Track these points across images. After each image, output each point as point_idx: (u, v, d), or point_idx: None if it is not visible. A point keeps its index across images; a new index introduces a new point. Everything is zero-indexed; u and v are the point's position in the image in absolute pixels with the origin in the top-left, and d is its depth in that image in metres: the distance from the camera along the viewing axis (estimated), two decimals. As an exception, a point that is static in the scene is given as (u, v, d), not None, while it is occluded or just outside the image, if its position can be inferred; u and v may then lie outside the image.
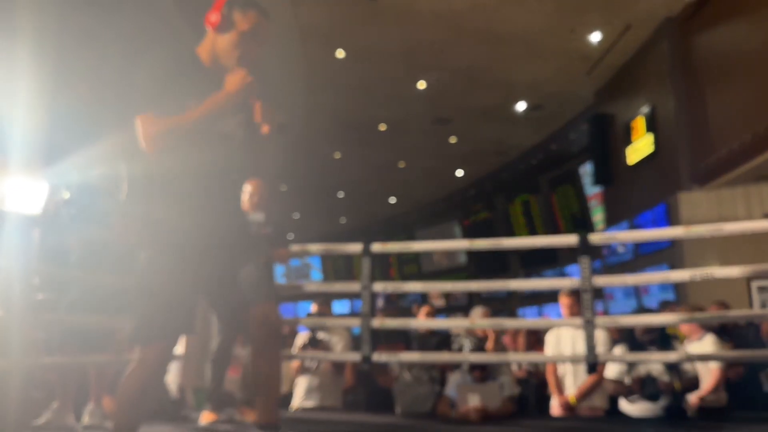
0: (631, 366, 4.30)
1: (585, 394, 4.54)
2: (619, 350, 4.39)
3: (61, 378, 3.82)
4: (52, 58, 6.80)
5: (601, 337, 4.46)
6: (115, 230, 3.96)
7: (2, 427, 3.08)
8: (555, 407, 4.62)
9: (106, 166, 3.95)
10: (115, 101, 8.19)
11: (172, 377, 4.60)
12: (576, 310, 4.56)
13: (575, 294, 4.56)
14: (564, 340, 4.66)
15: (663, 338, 4.32)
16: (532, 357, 5.03)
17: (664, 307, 5.74)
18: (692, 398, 4.24)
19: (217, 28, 2.06)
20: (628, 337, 4.47)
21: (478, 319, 4.82)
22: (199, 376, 4.56)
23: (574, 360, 4.41)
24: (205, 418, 3.85)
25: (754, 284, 7.45)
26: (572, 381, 4.61)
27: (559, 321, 4.76)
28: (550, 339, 4.75)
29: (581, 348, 4.41)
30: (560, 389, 4.64)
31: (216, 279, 2.12)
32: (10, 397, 3.16)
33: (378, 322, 4.49)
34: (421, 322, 5.10)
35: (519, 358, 4.88)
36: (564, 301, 4.71)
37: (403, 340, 5.19)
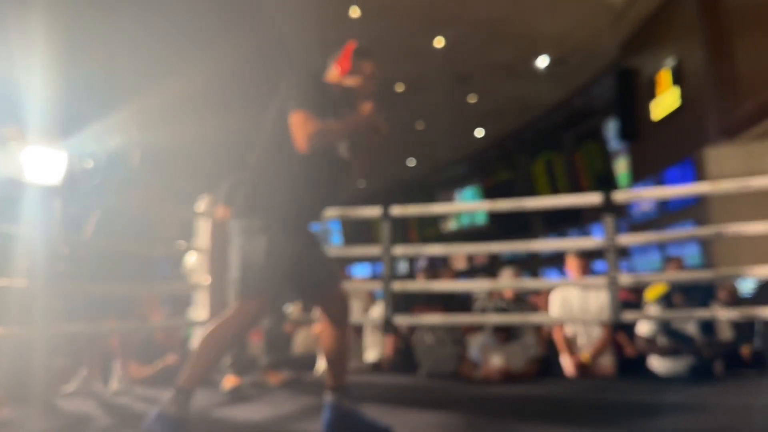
0: (665, 325, 4.27)
1: (599, 353, 4.54)
2: (653, 309, 4.37)
3: (88, 346, 3.92)
4: (66, 26, 6.79)
5: (604, 297, 4.43)
6: (134, 199, 4.01)
7: (29, 394, 3.17)
8: (567, 367, 4.63)
9: (121, 135, 3.98)
10: (130, 70, 8.20)
11: (197, 342, 4.68)
12: (586, 271, 4.73)
13: (584, 255, 4.71)
14: (571, 301, 4.64)
15: (703, 299, 4.27)
16: (556, 318, 5.04)
17: (668, 263, 5.60)
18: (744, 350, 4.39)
19: (348, 73, 2.55)
20: (665, 296, 4.42)
21: (504, 280, 4.85)
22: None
23: (593, 321, 4.42)
24: (229, 382, 3.93)
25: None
26: (585, 341, 4.61)
27: (583, 281, 4.74)
28: (555, 299, 4.73)
29: (591, 308, 4.47)
30: (570, 349, 4.64)
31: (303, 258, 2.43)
32: (36, 365, 3.24)
33: (399, 286, 4.54)
34: (443, 284, 5.11)
35: (542, 320, 4.88)
36: (572, 263, 4.72)
37: (441, 302, 5.18)
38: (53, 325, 3.47)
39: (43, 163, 4.39)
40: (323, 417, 2.45)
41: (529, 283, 5.01)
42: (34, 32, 6.43)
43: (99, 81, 8.11)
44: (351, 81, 2.55)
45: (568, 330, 4.68)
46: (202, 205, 4.65)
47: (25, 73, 6.60)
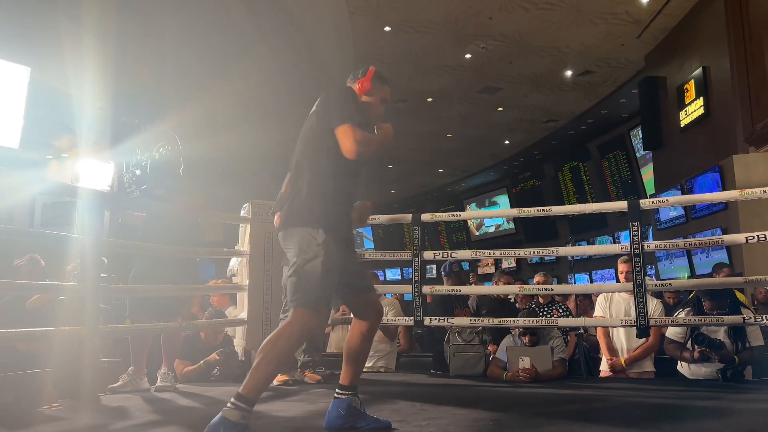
0: (694, 330, 4.16)
1: (636, 358, 4.46)
2: (683, 314, 4.26)
3: (135, 344, 3.97)
4: (115, 43, 6.96)
5: (652, 302, 4.36)
6: (179, 205, 4.07)
7: (80, 388, 3.23)
8: (604, 368, 4.56)
9: (167, 145, 4.04)
10: (175, 83, 8.33)
11: (239, 341, 4.72)
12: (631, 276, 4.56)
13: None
14: (616, 304, 4.58)
15: (732, 305, 4.14)
16: (583, 321, 4.97)
17: (718, 270, 5.52)
18: None
19: (366, 92, 2.62)
20: (694, 301, 4.29)
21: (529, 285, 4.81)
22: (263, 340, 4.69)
23: (623, 324, 4.34)
24: (278, 378, 3.96)
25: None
26: (624, 344, 4.54)
27: (610, 286, 4.67)
28: (601, 301, 4.67)
29: (634, 313, 4.35)
30: (611, 351, 4.57)
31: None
32: (86, 361, 3.30)
33: (428, 289, 4.52)
34: (473, 288, 5.09)
35: (570, 323, 4.81)
36: (621, 267, 4.63)
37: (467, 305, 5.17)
38: (102, 325, 3.54)
39: (93, 172, 4.47)
40: (334, 411, 2.49)
41: (556, 287, 4.94)
42: (86, 49, 6.60)
43: (145, 94, 8.28)
44: (368, 99, 2.63)
45: (611, 332, 4.62)
46: (243, 211, 4.72)
47: (77, 88, 6.78)
